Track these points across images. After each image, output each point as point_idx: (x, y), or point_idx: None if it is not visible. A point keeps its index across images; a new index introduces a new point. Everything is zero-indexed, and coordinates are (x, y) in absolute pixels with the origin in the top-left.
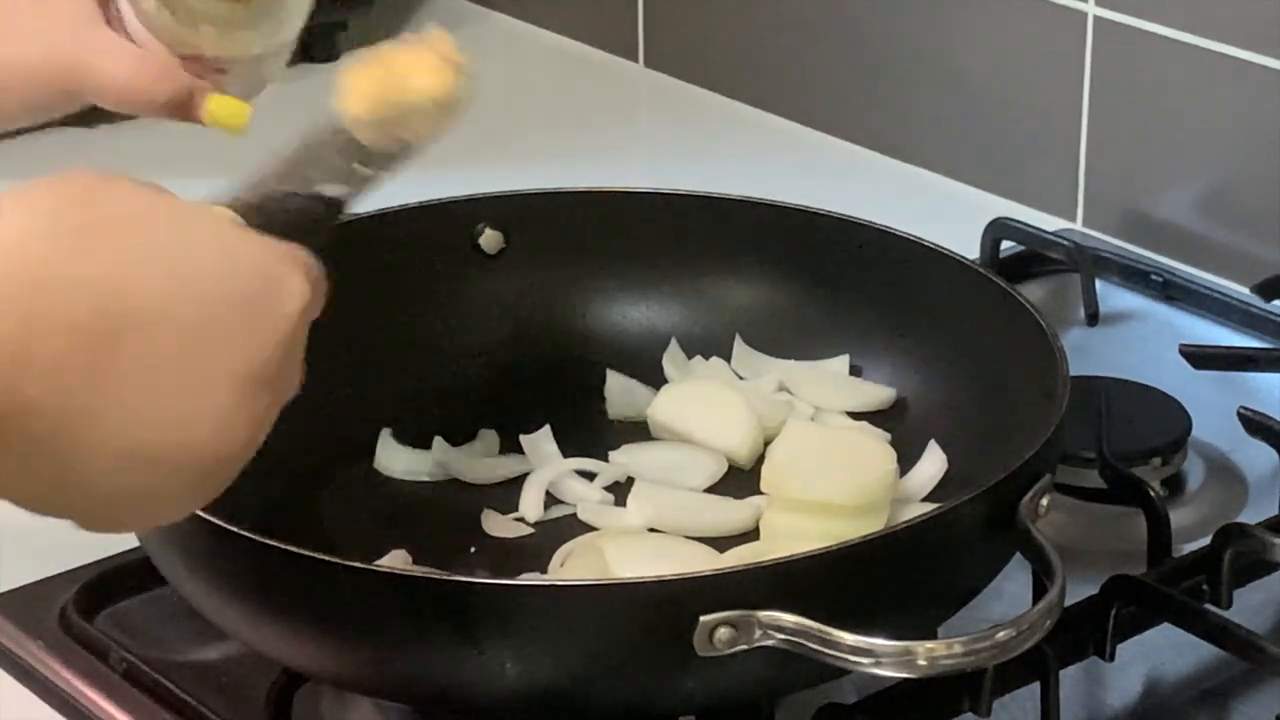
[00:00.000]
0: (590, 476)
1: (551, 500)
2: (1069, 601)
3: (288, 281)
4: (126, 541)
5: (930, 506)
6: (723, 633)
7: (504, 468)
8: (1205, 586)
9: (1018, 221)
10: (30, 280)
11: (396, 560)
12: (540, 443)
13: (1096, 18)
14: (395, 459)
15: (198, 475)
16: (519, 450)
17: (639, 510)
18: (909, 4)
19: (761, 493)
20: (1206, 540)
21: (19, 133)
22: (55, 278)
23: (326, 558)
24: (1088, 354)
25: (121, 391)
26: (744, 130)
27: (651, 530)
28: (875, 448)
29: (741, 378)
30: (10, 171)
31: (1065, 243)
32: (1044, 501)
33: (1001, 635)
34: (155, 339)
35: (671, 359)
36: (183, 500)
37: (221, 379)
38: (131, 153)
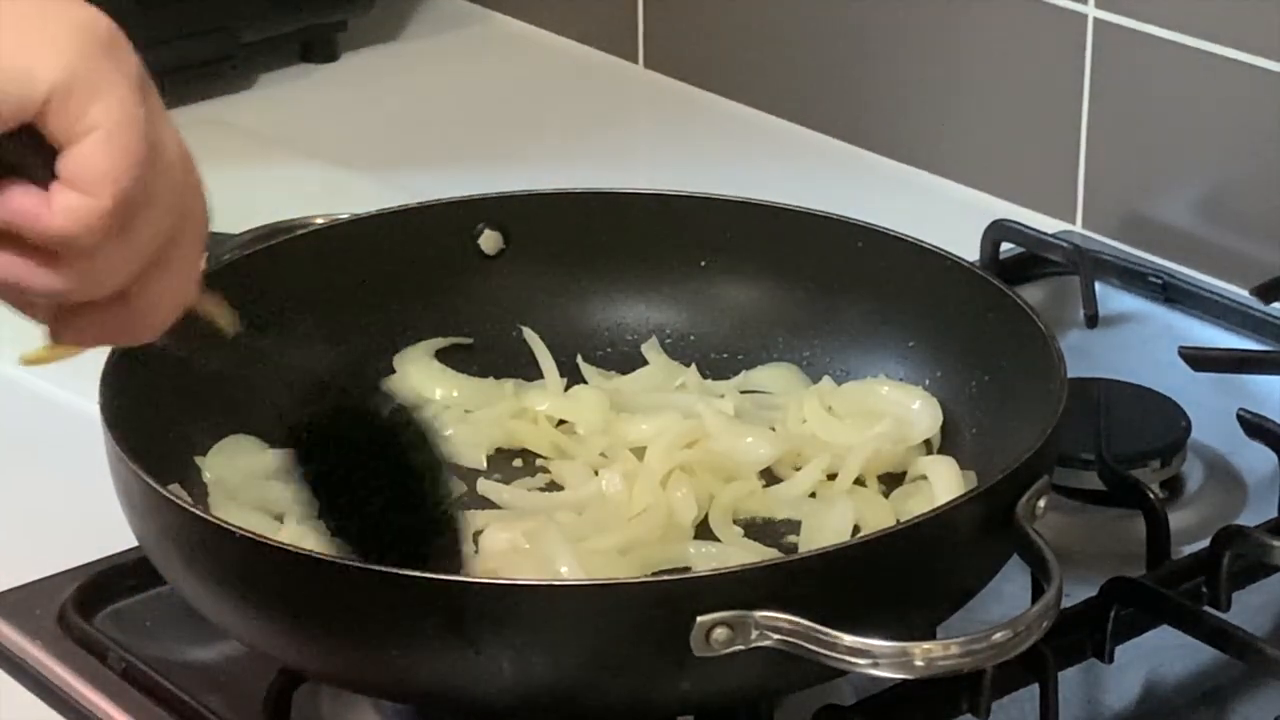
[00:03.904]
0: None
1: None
2: (1068, 603)
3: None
4: (126, 541)
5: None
6: (719, 633)
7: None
8: (1204, 589)
9: (1017, 223)
10: None
11: None
12: None
13: (1096, 19)
14: None
15: None
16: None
17: None
18: (908, 4)
19: None
20: (1205, 542)
21: None
22: None
23: (325, 556)
24: (1087, 356)
25: None
26: (744, 131)
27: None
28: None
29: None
30: None
31: (1065, 245)
32: (1041, 503)
33: (998, 636)
34: None
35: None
36: None
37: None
38: None
